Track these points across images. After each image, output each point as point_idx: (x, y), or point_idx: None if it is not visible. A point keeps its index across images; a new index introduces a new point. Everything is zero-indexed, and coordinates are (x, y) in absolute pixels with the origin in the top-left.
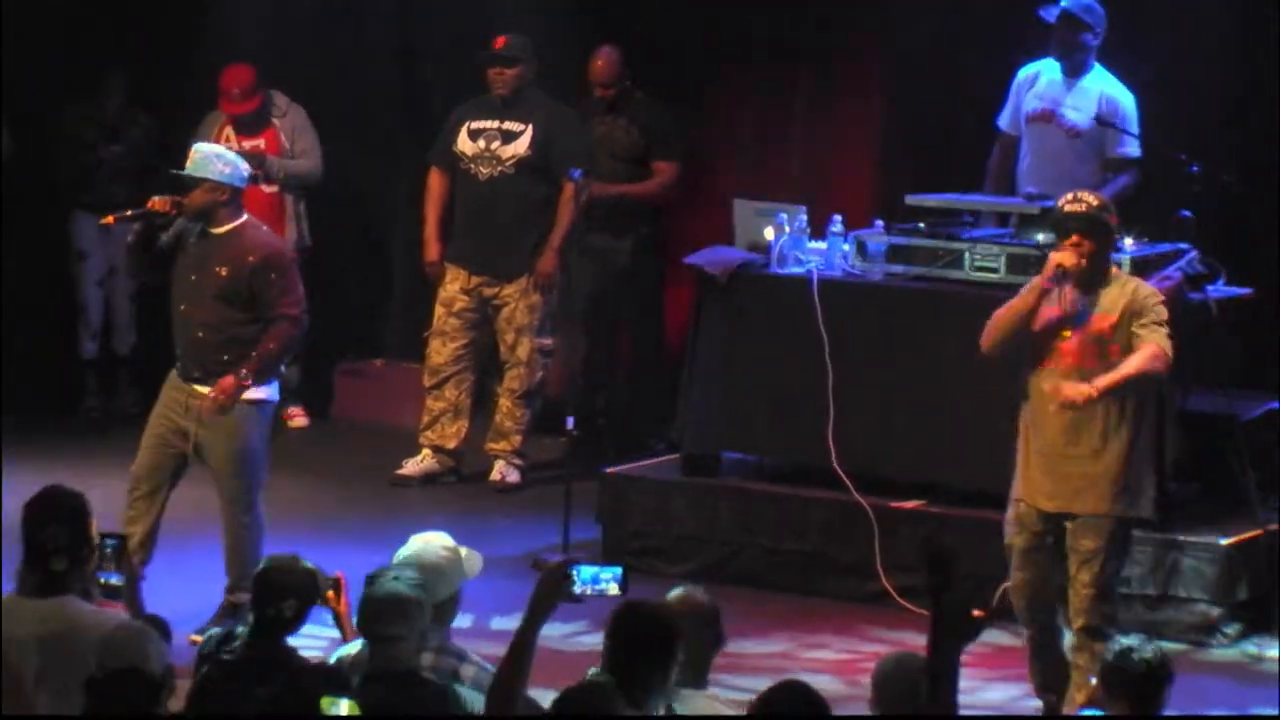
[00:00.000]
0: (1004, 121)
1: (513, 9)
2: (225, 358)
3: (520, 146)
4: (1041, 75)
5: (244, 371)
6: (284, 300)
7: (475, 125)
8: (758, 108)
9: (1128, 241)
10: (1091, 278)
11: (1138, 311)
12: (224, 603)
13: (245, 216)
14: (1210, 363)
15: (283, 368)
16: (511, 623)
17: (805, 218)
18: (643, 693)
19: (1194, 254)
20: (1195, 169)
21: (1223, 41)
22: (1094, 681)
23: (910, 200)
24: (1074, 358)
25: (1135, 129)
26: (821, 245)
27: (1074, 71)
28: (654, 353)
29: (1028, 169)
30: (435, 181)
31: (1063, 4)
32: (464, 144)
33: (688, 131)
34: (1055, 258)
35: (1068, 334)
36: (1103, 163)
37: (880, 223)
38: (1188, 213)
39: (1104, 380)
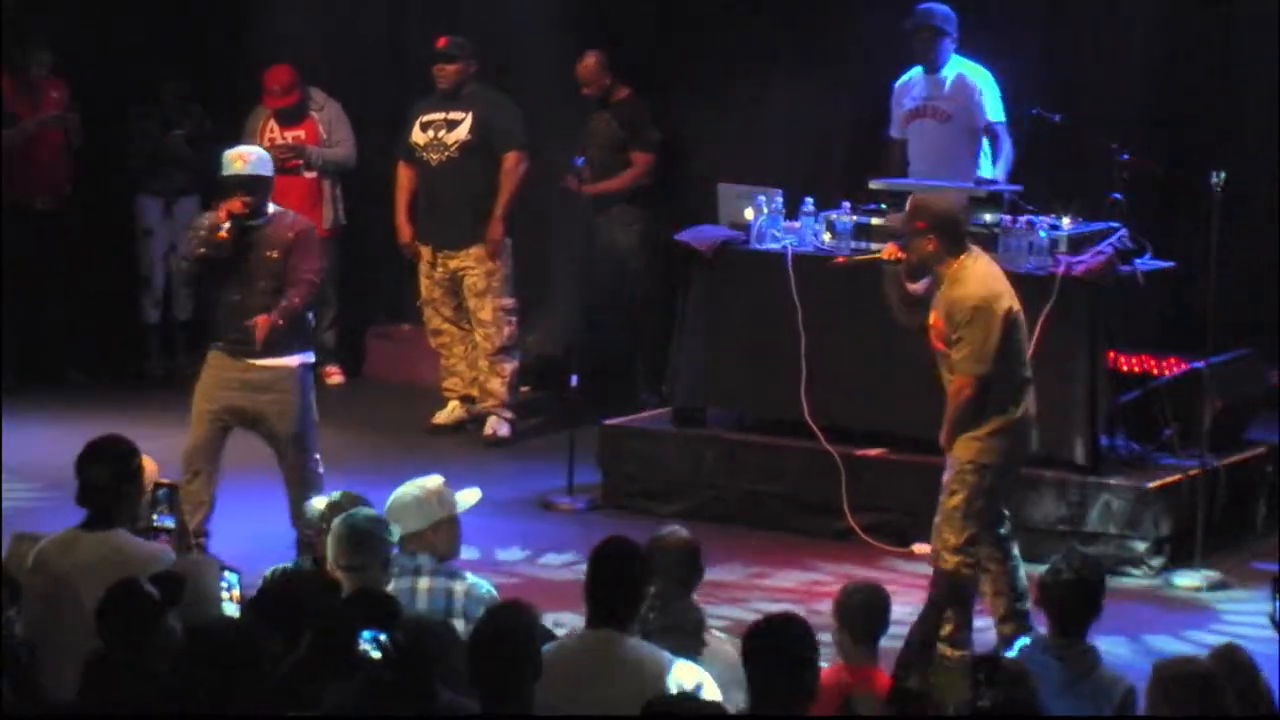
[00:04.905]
0: (892, 130)
1: (527, 15)
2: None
3: (462, 132)
4: (913, 79)
5: (276, 316)
6: (307, 267)
7: (425, 118)
8: (740, 101)
9: (1065, 221)
10: (912, 272)
11: (948, 321)
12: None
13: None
14: (1137, 328)
15: (310, 322)
16: (513, 555)
17: (781, 200)
18: (626, 618)
19: (1124, 231)
20: (1124, 157)
21: (1148, 41)
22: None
23: (873, 184)
24: (934, 342)
25: (991, 99)
26: (795, 224)
27: (934, 69)
28: (660, 320)
29: (915, 160)
30: (402, 173)
31: (915, 18)
32: (416, 136)
33: (662, 124)
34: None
35: (932, 318)
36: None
37: (847, 204)
38: (1118, 195)
39: (944, 437)
